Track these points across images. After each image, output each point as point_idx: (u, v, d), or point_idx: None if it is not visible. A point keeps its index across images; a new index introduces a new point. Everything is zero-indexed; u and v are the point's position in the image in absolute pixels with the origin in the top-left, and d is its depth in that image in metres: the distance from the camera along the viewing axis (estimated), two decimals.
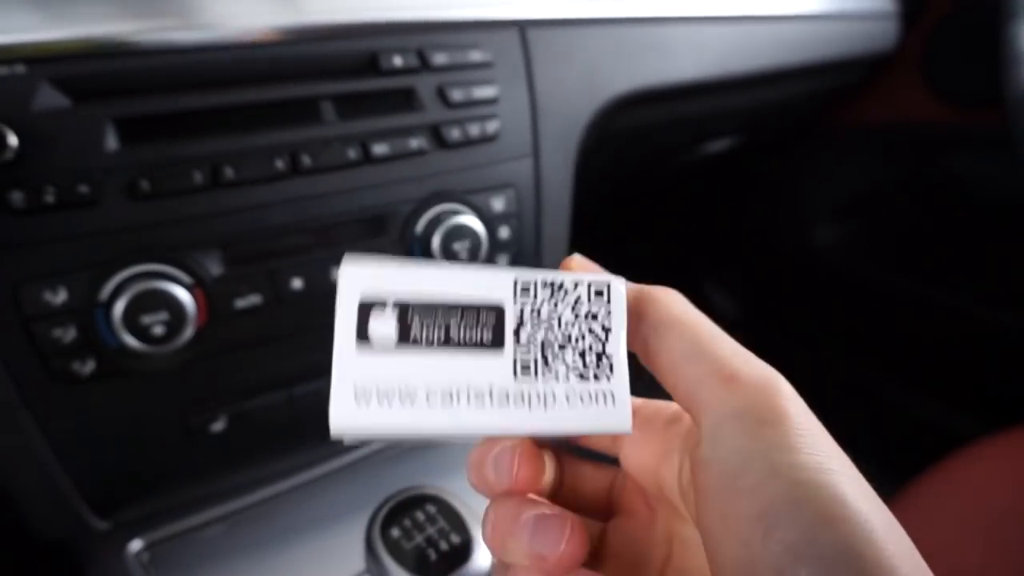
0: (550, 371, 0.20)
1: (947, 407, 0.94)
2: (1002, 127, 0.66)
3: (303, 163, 0.39)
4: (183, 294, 0.36)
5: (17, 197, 0.33)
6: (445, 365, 0.19)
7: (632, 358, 0.21)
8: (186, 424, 0.41)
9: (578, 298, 0.20)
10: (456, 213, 0.43)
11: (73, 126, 0.34)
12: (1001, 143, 0.68)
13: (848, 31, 0.76)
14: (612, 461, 0.26)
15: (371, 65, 0.42)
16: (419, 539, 0.38)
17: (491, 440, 0.22)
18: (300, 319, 0.41)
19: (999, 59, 0.65)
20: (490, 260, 0.46)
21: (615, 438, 0.25)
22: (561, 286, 0.20)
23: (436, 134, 0.43)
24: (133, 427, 0.40)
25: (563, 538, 0.20)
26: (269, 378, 0.43)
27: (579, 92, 0.51)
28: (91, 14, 0.35)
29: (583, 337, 0.20)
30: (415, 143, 0.42)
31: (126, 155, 0.35)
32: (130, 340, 0.35)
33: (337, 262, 0.41)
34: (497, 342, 0.20)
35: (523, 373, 0.20)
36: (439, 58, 0.43)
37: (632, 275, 0.22)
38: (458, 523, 0.40)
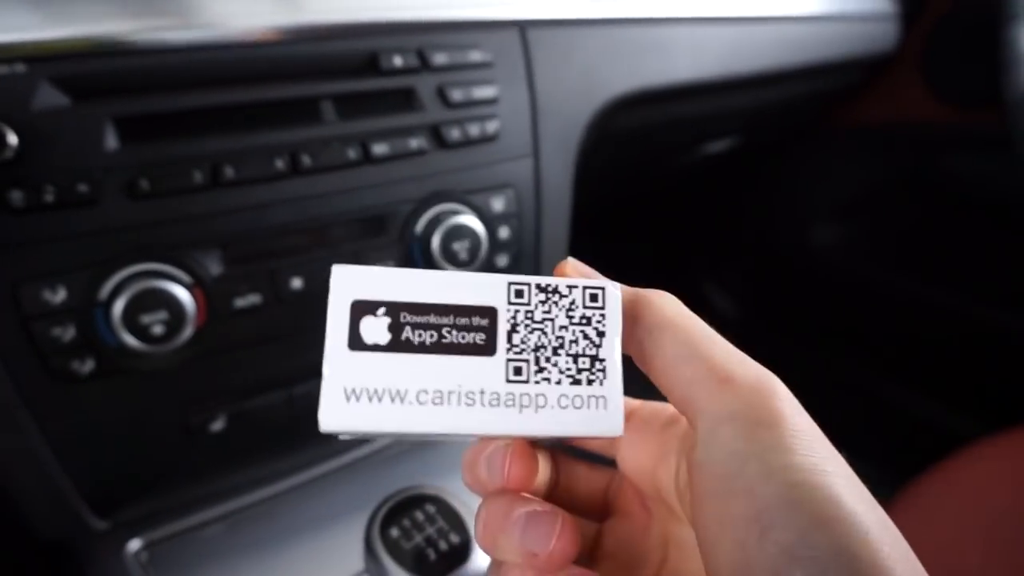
0: (543, 375, 0.20)
1: (947, 407, 0.94)
2: (1001, 127, 0.67)
3: (303, 163, 0.39)
4: (182, 293, 0.36)
5: (17, 196, 0.33)
6: (437, 367, 0.19)
7: (627, 361, 0.21)
8: (185, 424, 0.41)
9: (572, 302, 0.20)
10: (456, 213, 0.43)
11: (73, 125, 0.34)
12: (1000, 143, 0.68)
13: (848, 32, 0.76)
14: (609, 462, 0.26)
15: (371, 65, 0.42)
16: (418, 539, 0.38)
17: (485, 439, 0.22)
18: (300, 319, 0.41)
19: (998, 60, 0.65)
20: (490, 260, 0.46)
21: (612, 439, 0.25)
22: (555, 290, 0.20)
23: (436, 134, 0.43)
24: (132, 426, 0.40)
25: (554, 534, 0.20)
26: (268, 378, 0.43)
27: (579, 92, 0.51)
28: (91, 13, 0.35)
29: (576, 341, 0.20)
30: (415, 143, 0.42)
31: (126, 154, 0.35)
32: (129, 339, 0.35)
33: (337, 262, 0.41)
34: (490, 345, 0.20)
35: (515, 376, 0.20)
36: (439, 58, 0.43)
37: (631, 275, 0.22)
38: (457, 523, 0.40)
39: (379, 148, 0.41)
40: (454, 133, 0.44)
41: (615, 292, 0.21)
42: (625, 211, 1.22)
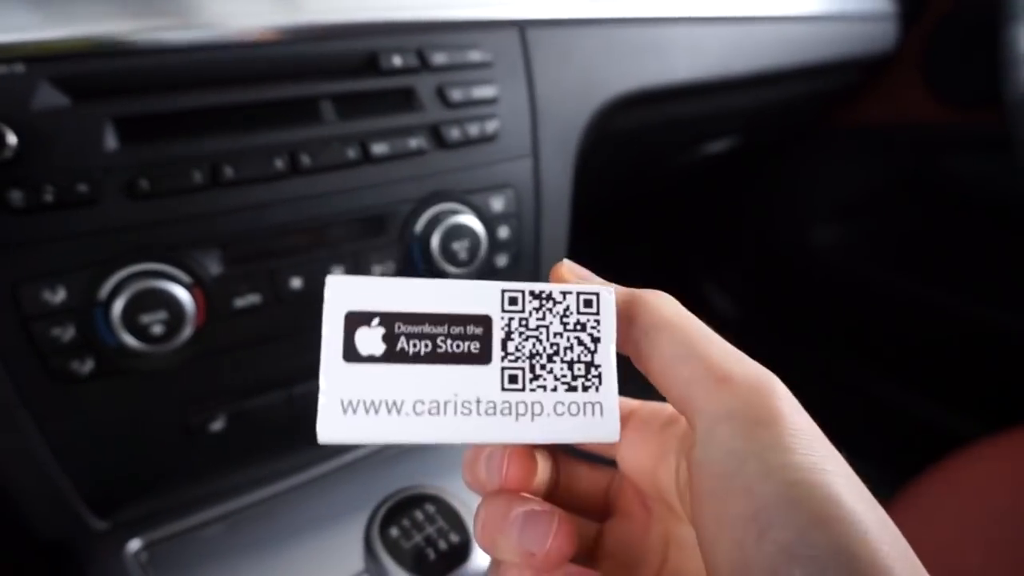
0: (538, 382, 0.20)
1: (946, 407, 0.94)
2: (1002, 128, 0.66)
3: (302, 163, 0.39)
4: (182, 293, 0.36)
5: (16, 196, 0.33)
6: (432, 376, 0.19)
7: (626, 361, 0.21)
8: (185, 424, 0.41)
9: (567, 308, 0.20)
10: (455, 213, 0.43)
11: (72, 125, 0.34)
12: (1001, 144, 0.68)
13: (847, 32, 0.76)
14: (609, 463, 0.26)
15: (371, 65, 0.42)
16: (418, 539, 0.38)
17: None
18: (299, 319, 0.41)
19: (999, 61, 0.65)
20: (489, 260, 0.46)
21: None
22: (549, 297, 0.20)
23: (435, 134, 0.43)
24: (132, 426, 0.40)
25: (550, 533, 0.20)
26: (268, 378, 0.43)
27: (579, 92, 0.51)
28: (91, 13, 0.35)
29: (571, 348, 0.20)
30: (414, 143, 0.42)
31: (125, 154, 0.35)
32: (129, 339, 0.35)
33: (337, 262, 0.41)
34: (484, 354, 0.20)
35: (510, 384, 0.20)
36: (439, 58, 0.43)
37: (631, 275, 0.22)
38: (457, 523, 0.39)
39: (379, 148, 0.41)
40: (454, 133, 0.44)
41: (609, 297, 0.21)
42: (625, 211, 1.22)
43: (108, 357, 0.36)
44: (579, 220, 0.54)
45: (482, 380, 0.20)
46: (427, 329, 0.20)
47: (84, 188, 0.34)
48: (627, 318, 0.21)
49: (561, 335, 0.20)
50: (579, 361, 0.20)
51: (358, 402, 0.19)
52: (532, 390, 0.20)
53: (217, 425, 0.42)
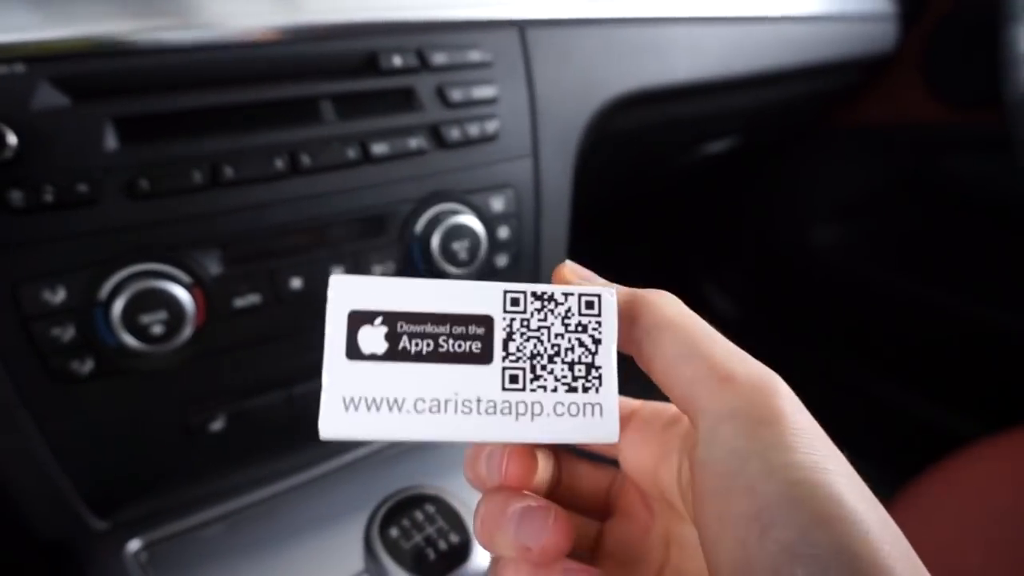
0: (539, 382, 0.20)
1: (946, 407, 0.94)
2: (1002, 128, 0.67)
3: (302, 163, 0.39)
4: (182, 293, 0.36)
5: (16, 196, 0.33)
6: (434, 375, 0.20)
7: (628, 361, 0.21)
8: (185, 423, 0.41)
9: (568, 310, 0.20)
10: (455, 213, 0.43)
11: (72, 125, 0.34)
12: (1001, 144, 0.68)
13: (847, 32, 0.76)
14: (611, 462, 0.26)
15: (370, 65, 0.42)
16: (418, 539, 0.38)
17: None
18: (299, 319, 0.41)
19: (999, 61, 0.65)
20: (489, 260, 0.46)
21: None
22: (551, 297, 0.20)
23: (435, 134, 0.43)
24: (132, 426, 0.40)
25: (547, 528, 0.20)
26: (268, 378, 0.43)
27: (579, 92, 0.51)
28: (91, 13, 0.35)
29: (572, 349, 0.20)
30: (414, 143, 0.42)
31: (125, 154, 0.35)
32: (129, 339, 0.35)
33: (337, 262, 0.41)
34: (486, 354, 0.20)
35: (511, 384, 0.20)
36: (438, 58, 0.43)
37: (631, 275, 0.22)
38: (457, 523, 0.40)
39: (378, 148, 0.41)
40: (453, 133, 0.44)
41: (611, 299, 0.21)
42: (625, 211, 1.22)
43: (108, 357, 0.36)
44: (579, 220, 0.54)
45: (483, 380, 0.20)
46: (429, 328, 0.20)
47: (84, 188, 0.34)
48: (629, 318, 0.21)
49: (562, 336, 0.20)
50: (580, 362, 0.20)
51: (360, 399, 0.19)
52: (532, 390, 0.20)
53: (217, 425, 0.42)
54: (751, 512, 0.17)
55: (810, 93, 0.84)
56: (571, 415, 0.20)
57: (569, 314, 0.20)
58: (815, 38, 0.72)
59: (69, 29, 0.34)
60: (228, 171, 0.37)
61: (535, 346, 0.20)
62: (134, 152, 0.36)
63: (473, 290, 0.20)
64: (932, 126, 0.86)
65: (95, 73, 0.35)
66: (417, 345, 0.20)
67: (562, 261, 0.23)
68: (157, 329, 0.35)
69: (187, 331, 0.36)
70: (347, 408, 0.19)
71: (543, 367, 0.20)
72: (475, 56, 0.45)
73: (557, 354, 0.20)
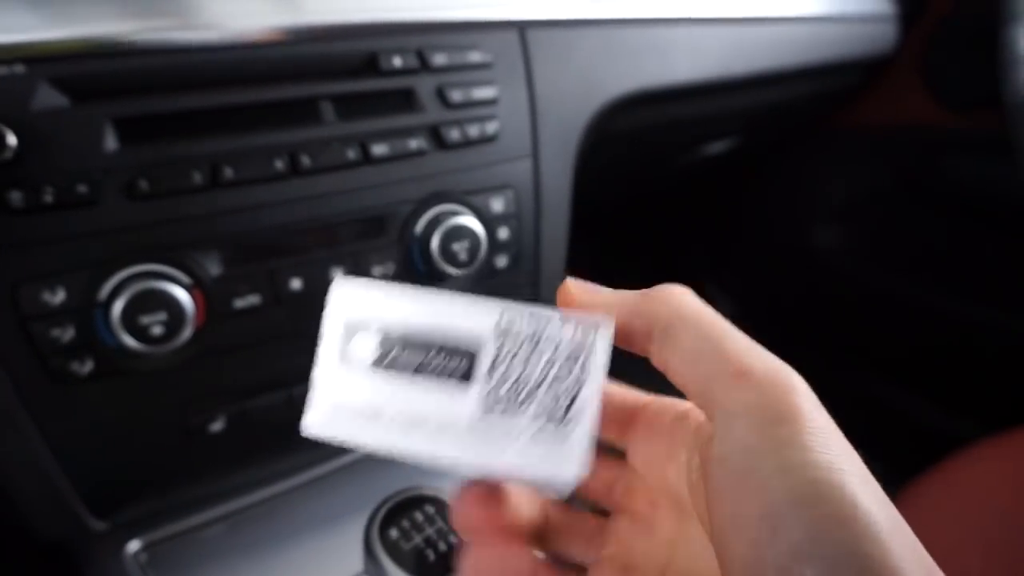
0: (517, 410, 0.20)
1: (947, 409, 0.94)
2: (1001, 130, 0.66)
3: (302, 163, 0.39)
4: (182, 294, 0.36)
5: (16, 197, 0.33)
6: (416, 392, 0.20)
7: (635, 359, 0.21)
8: (185, 424, 0.41)
9: (561, 339, 0.20)
10: (455, 214, 0.43)
11: (72, 126, 0.34)
12: (1000, 146, 0.68)
13: (847, 33, 0.76)
14: (621, 454, 0.26)
15: (370, 65, 0.42)
16: (417, 540, 0.38)
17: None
18: (299, 319, 0.41)
19: (999, 62, 0.65)
20: (489, 261, 0.46)
21: (625, 431, 0.25)
22: (547, 324, 0.20)
23: (435, 135, 0.43)
24: (131, 427, 0.40)
25: None
26: (268, 378, 0.43)
27: (579, 93, 0.51)
28: (90, 14, 0.35)
29: (560, 378, 0.20)
30: (414, 144, 0.42)
31: (125, 155, 0.35)
32: (129, 340, 0.35)
33: (337, 263, 0.41)
34: (470, 376, 0.20)
35: (489, 410, 0.20)
36: (438, 59, 0.43)
37: (631, 276, 0.22)
38: None
39: (379, 149, 0.41)
40: (453, 134, 0.44)
41: (606, 332, 0.20)
42: (625, 211, 1.22)
43: (108, 358, 0.36)
44: (579, 220, 0.54)
45: (462, 402, 0.20)
46: (420, 343, 0.20)
47: (84, 189, 0.34)
48: (645, 314, 0.21)
49: (552, 364, 0.20)
50: (563, 394, 0.20)
51: (344, 404, 0.20)
52: (510, 418, 0.20)
53: (217, 426, 0.42)
54: (763, 511, 0.17)
55: (810, 94, 0.84)
56: (545, 445, 0.19)
57: (561, 345, 0.20)
58: (815, 39, 0.72)
59: (69, 30, 0.34)
60: (228, 172, 0.37)
61: (520, 373, 0.20)
62: (134, 153, 0.36)
63: (471, 307, 0.20)
64: (932, 127, 0.86)
65: (95, 74, 0.35)
66: (407, 358, 0.20)
67: (562, 261, 0.23)
68: (157, 330, 0.35)
69: (187, 332, 0.36)
70: (332, 411, 0.20)
71: (525, 395, 0.20)
72: (475, 57, 0.45)
73: (542, 383, 0.20)
